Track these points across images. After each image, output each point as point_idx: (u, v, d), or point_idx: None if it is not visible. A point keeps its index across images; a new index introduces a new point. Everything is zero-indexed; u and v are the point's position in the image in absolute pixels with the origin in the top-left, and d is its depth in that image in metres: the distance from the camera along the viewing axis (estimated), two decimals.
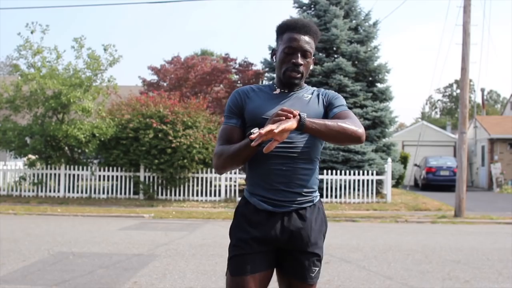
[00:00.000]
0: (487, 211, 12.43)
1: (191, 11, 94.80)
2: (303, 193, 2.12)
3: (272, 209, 2.10)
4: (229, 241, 2.20)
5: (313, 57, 2.23)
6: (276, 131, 1.77)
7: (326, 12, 15.69)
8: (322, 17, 15.77)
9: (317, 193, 2.21)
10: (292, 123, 1.83)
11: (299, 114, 1.87)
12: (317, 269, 2.16)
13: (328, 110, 2.16)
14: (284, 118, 1.83)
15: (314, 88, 2.28)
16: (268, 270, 2.15)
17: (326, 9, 15.66)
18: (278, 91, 2.20)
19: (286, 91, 2.19)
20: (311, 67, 2.22)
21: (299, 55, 2.12)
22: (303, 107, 2.12)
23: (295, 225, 2.10)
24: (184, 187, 13.88)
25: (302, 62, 2.12)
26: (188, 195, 13.83)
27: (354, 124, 1.99)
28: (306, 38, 2.13)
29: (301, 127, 1.87)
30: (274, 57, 2.22)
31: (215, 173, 13.42)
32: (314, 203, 2.17)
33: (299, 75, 2.14)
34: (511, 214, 12.05)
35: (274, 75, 17.06)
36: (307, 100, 2.17)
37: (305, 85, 2.27)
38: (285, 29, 2.17)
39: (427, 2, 77.99)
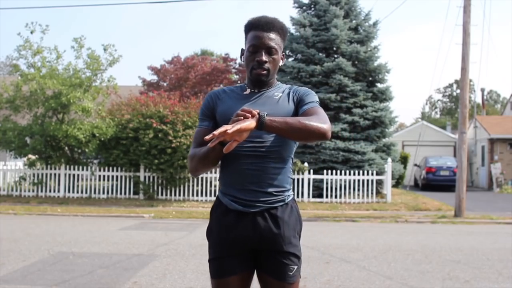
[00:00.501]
0: (487, 211, 12.43)
1: (191, 11, 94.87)
2: (274, 193, 2.11)
3: (243, 209, 2.09)
4: None
5: (283, 54, 2.22)
6: (229, 131, 1.75)
7: (326, 12, 15.69)
8: (322, 17, 15.77)
9: (290, 192, 2.19)
10: (250, 123, 1.81)
11: (259, 113, 1.84)
12: (296, 267, 2.14)
13: (299, 107, 2.15)
14: (242, 118, 1.81)
15: (287, 85, 2.26)
16: (248, 270, 2.17)
17: (326, 9, 15.66)
18: (248, 91, 2.19)
19: (256, 90, 2.19)
20: (281, 63, 2.21)
21: (263, 52, 2.11)
22: (272, 105, 2.12)
23: (266, 225, 2.09)
24: (184, 187, 13.88)
25: (266, 59, 2.11)
26: (188, 195, 13.83)
27: (318, 121, 1.95)
28: (270, 35, 2.13)
29: (261, 126, 1.84)
30: (242, 57, 2.23)
31: (215, 172, 13.43)
32: (286, 202, 2.15)
33: (265, 72, 2.12)
34: (511, 214, 12.05)
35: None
36: (277, 98, 2.16)
37: (278, 83, 2.25)
38: (250, 28, 2.17)
39: (427, 2, 78.04)
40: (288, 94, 2.19)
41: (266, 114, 1.87)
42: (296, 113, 2.13)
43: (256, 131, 1.87)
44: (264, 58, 2.11)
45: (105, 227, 9.40)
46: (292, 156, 2.20)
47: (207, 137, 1.78)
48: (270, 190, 2.10)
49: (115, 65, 15.20)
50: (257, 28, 2.14)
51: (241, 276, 2.14)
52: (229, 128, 1.76)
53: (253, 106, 2.12)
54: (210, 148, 1.95)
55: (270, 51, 2.12)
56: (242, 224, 2.10)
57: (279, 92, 2.19)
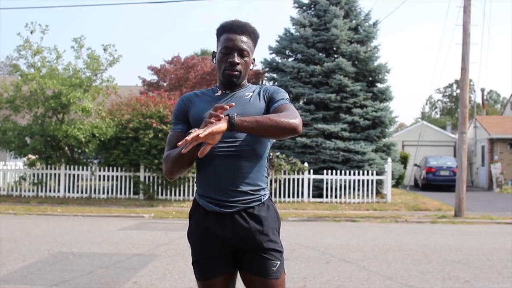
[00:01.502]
0: (487, 211, 12.43)
1: (191, 11, 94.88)
2: (250, 191, 2.12)
3: (220, 210, 2.10)
4: None
5: (253, 58, 2.25)
6: (202, 135, 1.76)
7: (326, 12, 15.69)
8: (322, 17, 15.77)
9: (266, 191, 2.20)
10: (221, 125, 1.82)
11: (228, 115, 1.86)
12: (278, 263, 2.15)
13: (270, 105, 2.18)
14: (214, 121, 1.83)
15: (257, 85, 2.30)
16: (231, 271, 2.19)
17: (326, 9, 15.66)
18: (219, 92, 2.23)
19: (227, 92, 2.22)
20: (251, 67, 2.25)
21: (235, 54, 2.15)
22: (244, 105, 2.15)
23: (244, 225, 2.10)
24: (184, 187, 13.88)
25: (238, 61, 2.15)
26: (188, 195, 13.83)
27: (288, 116, 1.97)
28: (243, 37, 2.17)
29: (232, 127, 1.86)
30: (214, 59, 2.25)
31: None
32: (262, 202, 2.16)
33: (237, 73, 2.16)
34: (511, 214, 12.05)
35: (274, 75, 17.14)
36: (248, 98, 2.19)
37: (248, 84, 2.29)
38: (222, 31, 2.21)
39: (427, 2, 78.04)
40: (259, 93, 2.23)
41: (236, 115, 1.89)
42: (267, 111, 2.16)
43: (228, 131, 1.90)
44: (237, 59, 2.15)
45: (105, 227, 9.40)
46: (267, 155, 2.23)
47: (180, 143, 1.80)
48: (246, 189, 2.11)
49: (115, 65, 15.22)
50: (230, 31, 2.18)
51: (225, 276, 2.17)
52: (201, 132, 1.77)
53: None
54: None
55: (242, 53, 2.16)
56: (221, 225, 2.11)
57: (250, 92, 2.23)
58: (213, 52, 2.27)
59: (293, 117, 1.99)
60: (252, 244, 2.12)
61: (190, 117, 2.19)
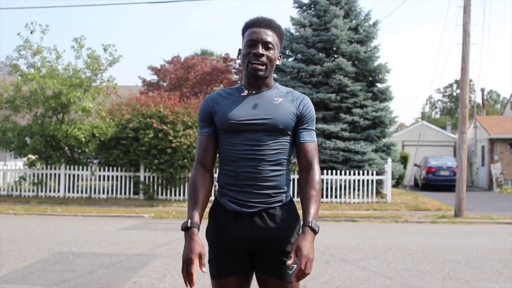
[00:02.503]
0: (487, 211, 12.43)
1: (191, 11, 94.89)
2: (272, 194, 2.11)
3: (240, 210, 2.09)
4: None
5: (279, 54, 2.22)
6: (308, 272, 1.98)
7: (326, 12, 15.69)
8: (322, 17, 15.77)
9: (288, 193, 2.19)
10: (309, 251, 1.99)
11: (311, 227, 2.03)
12: (295, 266, 2.12)
13: (299, 125, 2.17)
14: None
15: (287, 88, 2.25)
16: (247, 270, 2.17)
17: (326, 9, 15.66)
18: (245, 92, 2.18)
19: (253, 92, 2.18)
20: (278, 62, 2.21)
21: (260, 46, 2.11)
22: (272, 108, 2.12)
23: (264, 225, 2.09)
24: (184, 187, 13.87)
25: (263, 52, 2.11)
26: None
27: (318, 177, 2.16)
28: (267, 31, 2.14)
29: (316, 233, 2.06)
30: (239, 56, 2.22)
31: (215, 173, 13.39)
32: (284, 203, 2.15)
33: (263, 67, 2.11)
34: (511, 214, 12.05)
35: (274, 75, 17.12)
36: (277, 103, 2.15)
37: (276, 84, 2.24)
38: (247, 27, 2.18)
39: (427, 2, 78.04)
40: (291, 100, 2.19)
41: (313, 222, 2.05)
42: (295, 126, 2.16)
43: (254, 134, 2.05)
44: (261, 51, 2.11)
45: (105, 227, 9.40)
46: (290, 159, 2.21)
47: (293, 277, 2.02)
48: (268, 192, 2.10)
49: (115, 65, 15.21)
50: (255, 25, 2.16)
51: (241, 276, 2.14)
52: (308, 272, 1.98)
53: (251, 107, 2.13)
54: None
55: (267, 45, 2.13)
56: (240, 224, 2.10)
57: (279, 96, 2.18)
58: (239, 49, 2.22)
59: (318, 172, 2.17)
60: (271, 246, 2.11)
61: (215, 118, 2.16)
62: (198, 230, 2.09)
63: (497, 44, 79.67)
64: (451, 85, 55.59)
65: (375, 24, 16.43)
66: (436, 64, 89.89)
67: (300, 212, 2.17)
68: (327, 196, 13.72)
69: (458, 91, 24.57)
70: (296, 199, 10.57)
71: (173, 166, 13.19)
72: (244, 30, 2.20)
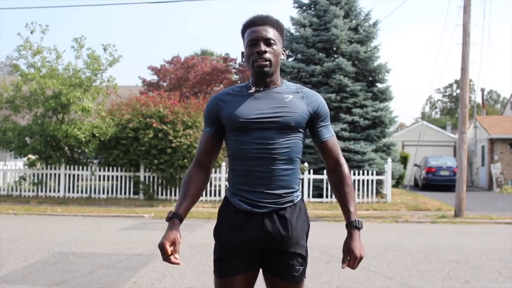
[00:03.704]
0: (487, 211, 12.43)
1: (191, 11, 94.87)
2: (283, 194, 2.11)
3: (251, 210, 2.09)
4: None
5: (283, 49, 2.21)
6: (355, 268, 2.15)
7: (326, 12, 15.70)
8: (322, 17, 15.77)
9: (299, 193, 2.19)
10: (361, 250, 2.16)
11: (356, 226, 2.19)
12: (301, 268, 2.14)
13: (315, 123, 2.19)
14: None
15: (295, 85, 2.25)
16: (253, 270, 2.17)
17: (326, 9, 15.66)
18: (253, 89, 2.17)
19: (261, 89, 2.17)
20: (282, 57, 2.20)
21: (261, 43, 2.11)
22: (282, 106, 2.11)
23: (274, 226, 2.09)
24: None
25: (265, 49, 2.10)
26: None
27: (348, 170, 2.25)
28: (266, 27, 2.14)
29: (361, 228, 2.21)
30: (243, 59, 2.22)
31: (215, 173, 13.42)
32: (294, 203, 2.14)
33: (267, 63, 2.10)
34: (511, 214, 12.05)
35: None
36: (287, 100, 2.14)
37: (284, 81, 2.23)
38: (246, 28, 2.18)
39: (427, 2, 78.04)
40: (302, 98, 2.18)
41: (357, 221, 2.19)
42: (311, 123, 2.18)
43: (265, 132, 2.06)
44: (263, 48, 2.10)
45: (105, 227, 9.39)
46: (301, 157, 2.21)
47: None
48: (279, 191, 2.10)
49: (115, 65, 15.20)
50: (252, 25, 2.15)
51: (246, 276, 2.14)
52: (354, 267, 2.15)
53: (260, 104, 2.12)
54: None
55: (268, 42, 2.12)
56: (250, 224, 2.09)
57: (289, 93, 2.17)
58: (241, 52, 2.21)
59: (346, 165, 2.26)
60: (279, 247, 2.11)
61: (223, 117, 2.15)
62: (180, 221, 2.20)
63: (497, 44, 79.71)
64: (451, 85, 55.59)
65: (375, 24, 16.43)
66: (436, 64, 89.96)
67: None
68: (327, 196, 13.71)
69: (458, 91, 24.57)
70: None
71: (173, 166, 13.19)
72: (243, 31, 2.19)
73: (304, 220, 2.18)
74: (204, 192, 14.16)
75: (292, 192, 2.14)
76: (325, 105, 2.25)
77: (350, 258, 2.11)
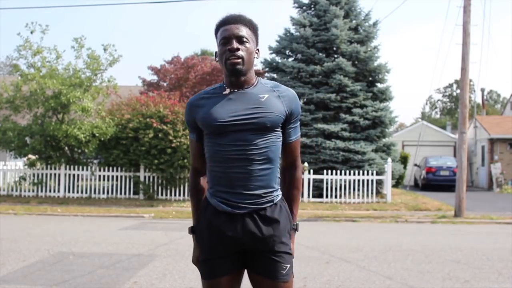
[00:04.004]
0: (487, 211, 12.43)
1: (191, 11, 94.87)
2: (263, 194, 2.10)
3: (231, 211, 2.08)
4: None
5: (257, 48, 2.19)
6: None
7: (326, 12, 15.69)
8: (322, 17, 15.77)
9: (279, 192, 2.18)
10: (293, 251, 2.22)
11: (294, 229, 2.24)
12: (288, 266, 2.14)
13: (287, 123, 2.17)
14: None
15: (271, 82, 2.22)
16: (238, 271, 2.17)
17: (326, 9, 15.66)
18: (227, 90, 2.15)
19: (235, 89, 2.15)
20: (256, 56, 2.18)
21: (234, 41, 2.10)
22: (258, 106, 2.09)
23: (255, 226, 2.08)
24: (184, 187, 13.88)
25: (238, 46, 2.09)
26: (188, 195, 13.82)
27: (300, 176, 2.27)
28: (238, 26, 2.13)
29: (297, 231, 2.27)
30: (216, 58, 2.20)
31: None
32: (275, 202, 2.14)
33: (239, 60, 2.08)
34: (511, 214, 12.05)
35: (274, 75, 17.11)
36: (263, 100, 2.12)
37: (260, 80, 2.21)
38: (219, 27, 2.18)
39: (427, 2, 78.04)
40: (278, 97, 2.16)
41: (296, 224, 2.25)
42: (285, 121, 2.16)
43: (241, 134, 2.06)
44: (235, 45, 2.09)
45: (105, 227, 9.40)
46: (280, 156, 2.20)
47: None
48: (258, 192, 2.09)
49: (115, 65, 15.20)
50: (225, 23, 2.15)
51: (231, 276, 2.15)
52: None
53: (235, 106, 2.10)
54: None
55: (241, 39, 2.11)
56: (232, 225, 2.09)
57: (264, 92, 2.15)
58: (215, 52, 2.21)
59: (300, 168, 2.28)
60: (263, 246, 2.10)
61: (198, 121, 2.15)
62: None
63: (497, 44, 79.69)
64: (451, 85, 55.59)
65: (375, 24, 16.43)
66: (436, 64, 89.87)
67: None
68: (327, 196, 13.71)
69: (458, 91, 24.57)
70: None
71: (173, 166, 13.19)
72: (216, 30, 2.19)
73: (287, 219, 2.17)
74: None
75: (272, 192, 2.13)
76: (299, 106, 2.23)
77: None
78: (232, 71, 2.10)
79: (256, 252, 2.12)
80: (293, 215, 2.21)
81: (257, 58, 2.21)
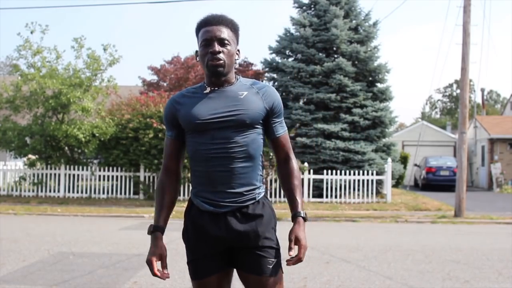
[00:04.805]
0: (487, 211, 12.43)
1: (191, 11, 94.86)
2: (245, 192, 2.11)
3: (214, 210, 2.10)
4: None
5: (238, 50, 2.19)
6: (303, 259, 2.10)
7: (326, 12, 15.69)
8: (322, 17, 15.77)
9: (261, 190, 2.18)
10: (306, 242, 2.11)
11: (302, 218, 2.14)
12: (275, 260, 2.13)
13: (270, 119, 2.18)
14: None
15: (250, 80, 2.23)
16: (226, 268, 2.18)
17: (326, 9, 15.66)
18: (208, 89, 2.16)
19: (216, 88, 2.16)
20: (237, 57, 2.19)
21: (215, 43, 2.10)
22: (237, 104, 2.10)
23: (239, 224, 2.09)
24: (184, 187, 13.87)
25: (219, 49, 2.09)
26: (188, 195, 13.80)
27: (296, 166, 2.24)
28: (220, 27, 2.13)
29: (306, 220, 2.18)
30: (197, 58, 2.21)
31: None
32: (257, 200, 2.14)
33: (221, 62, 2.09)
34: (511, 214, 12.05)
35: (274, 75, 17.11)
36: (241, 97, 2.13)
37: (239, 78, 2.22)
38: (200, 27, 2.18)
39: (427, 2, 78.06)
40: (256, 93, 2.16)
41: (304, 212, 2.16)
42: (267, 118, 2.17)
43: (221, 131, 2.06)
44: (217, 48, 2.09)
45: (105, 227, 9.40)
46: (261, 153, 2.20)
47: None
48: (240, 190, 2.10)
49: (115, 65, 15.20)
50: (207, 24, 2.15)
51: (220, 275, 2.16)
52: (303, 258, 2.11)
53: (215, 104, 2.11)
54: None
55: (222, 42, 2.11)
56: (215, 224, 2.10)
57: (243, 90, 2.16)
58: (196, 51, 2.21)
59: (295, 160, 2.26)
60: (248, 243, 2.11)
61: (180, 119, 2.16)
62: (162, 233, 2.18)
63: (497, 44, 79.70)
64: (451, 85, 55.59)
65: (375, 24, 16.44)
66: (436, 64, 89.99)
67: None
68: (327, 196, 13.71)
69: (458, 91, 24.57)
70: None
71: None
72: (197, 30, 2.19)
73: (270, 215, 2.18)
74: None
75: (254, 189, 2.14)
76: (280, 101, 2.23)
77: (298, 246, 2.08)
78: (213, 73, 2.12)
79: (241, 250, 2.13)
80: (298, 205, 2.17)
81: (237, 59, 2.22)
